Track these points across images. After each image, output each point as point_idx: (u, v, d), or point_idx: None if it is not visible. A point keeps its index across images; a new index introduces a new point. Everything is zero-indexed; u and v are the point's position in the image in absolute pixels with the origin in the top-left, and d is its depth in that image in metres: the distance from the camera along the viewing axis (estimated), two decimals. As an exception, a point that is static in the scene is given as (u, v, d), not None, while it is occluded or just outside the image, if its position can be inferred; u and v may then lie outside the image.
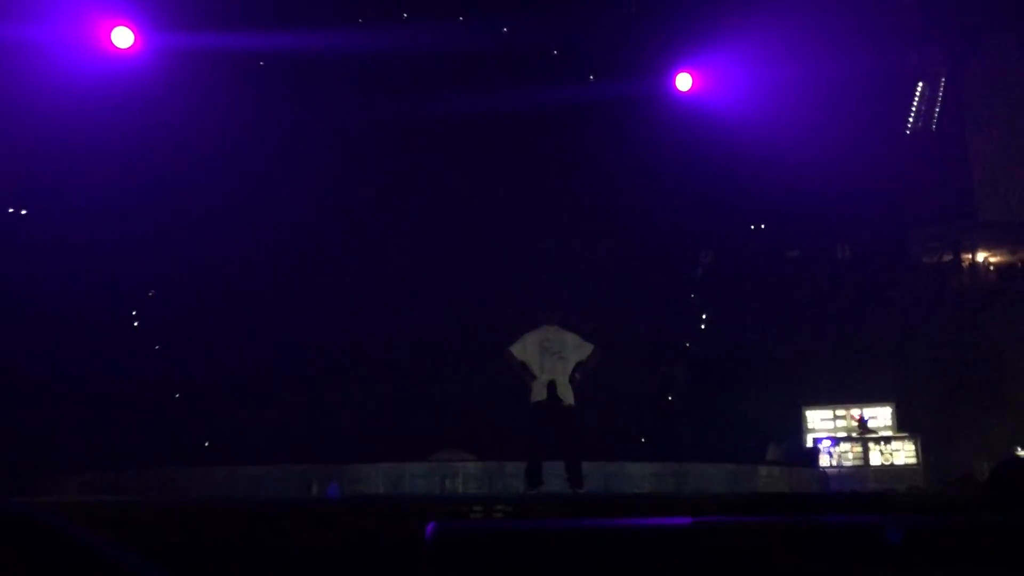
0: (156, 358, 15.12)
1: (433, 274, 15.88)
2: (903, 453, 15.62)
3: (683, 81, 14.84)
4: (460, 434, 14.23)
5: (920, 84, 18.07)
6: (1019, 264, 19.64)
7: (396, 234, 15.88)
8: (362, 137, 15.37)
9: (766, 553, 1.94)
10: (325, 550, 2.81)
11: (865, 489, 14.38)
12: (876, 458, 15.66)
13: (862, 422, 16.55)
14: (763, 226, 18.14)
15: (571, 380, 8.79)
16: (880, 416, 16.52)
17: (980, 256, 19.28)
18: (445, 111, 15.02)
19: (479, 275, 15.89)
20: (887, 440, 15.86)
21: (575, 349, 8.93)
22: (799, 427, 16.91)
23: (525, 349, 8.95)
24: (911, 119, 18.21)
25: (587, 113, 15.21)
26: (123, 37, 13.17)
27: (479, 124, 15.59)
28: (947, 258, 18.80)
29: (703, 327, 18.04)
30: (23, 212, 14.37)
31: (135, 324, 15.54)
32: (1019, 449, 16.88)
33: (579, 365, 8.88)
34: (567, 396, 8.73)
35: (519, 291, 15.55)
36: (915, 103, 18.18)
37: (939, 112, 18.21)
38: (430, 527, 1.88)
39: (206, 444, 15.01)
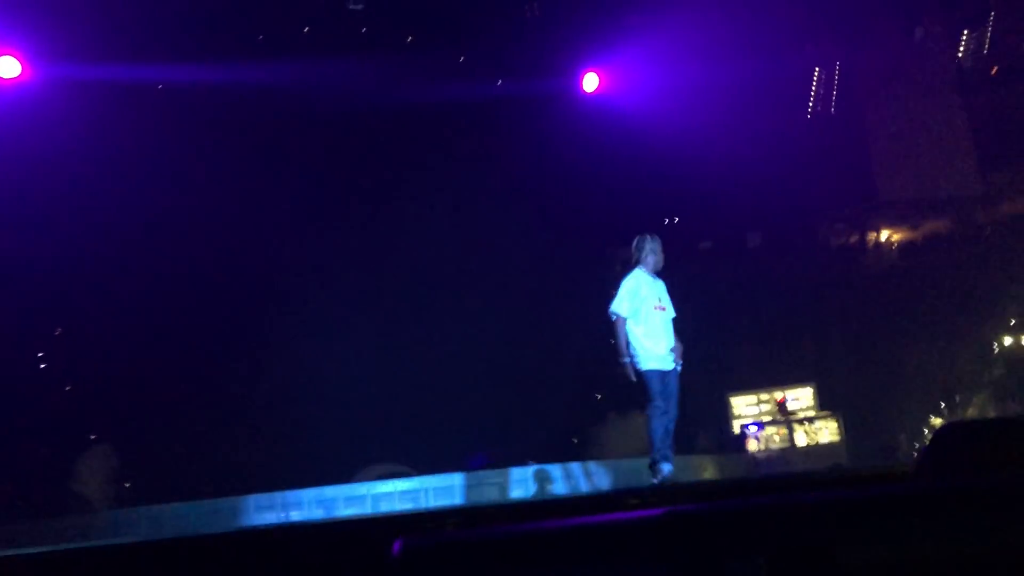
0: (67, 398, 14.55)
1: (341, 281, 15.63)
2: (827, 431, 16.01)
3: (590, 81, 15.03)
4: (383, 448, 14.10)
5: (816, 70, 18.62)
6: (919, 240, 20.42)
7: (303, 243, 15.63)
8: (267, 149, 15.06)
9: (746, 536, 1.89)
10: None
11: (795, 470, 14.71)
12: (801, 439, 16.02)
13: (781, 405, 16.93)
14: (676, 220, 18.41)
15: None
16: (802, 397, 16.91)
17: (884, 235, 19.99)
18: (349, 117, 14.86)
19: (384, 277, 15.71)
20: (810, 420, 16.25)
21: (669, 299, 7.93)
22: (725, 414, 17.18)
23: (635, 297, 7.78)
24: (810, 105, 18.75)
25: (494, 115, 15.22)
26: (9, 67, 12.72)
27: (383, 128, 15.46)
28: (854, 239, 19.44)
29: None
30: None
31: (41, 366, 14.92)
32: (932, 418, 17.56)
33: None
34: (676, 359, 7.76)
35: (427, 295, 15.48)
36: (813, 89, 18.72)
37: (836, 97, 18.79)
38: (397, 544, 1.77)
39: (126, 485, 14.46)
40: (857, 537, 1.90)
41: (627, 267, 8.04)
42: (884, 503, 1.98)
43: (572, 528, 1.96)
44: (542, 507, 3.79)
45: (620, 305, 7.76)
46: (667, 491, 3.76)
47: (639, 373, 7.69)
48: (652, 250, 7.95)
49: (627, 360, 7.60)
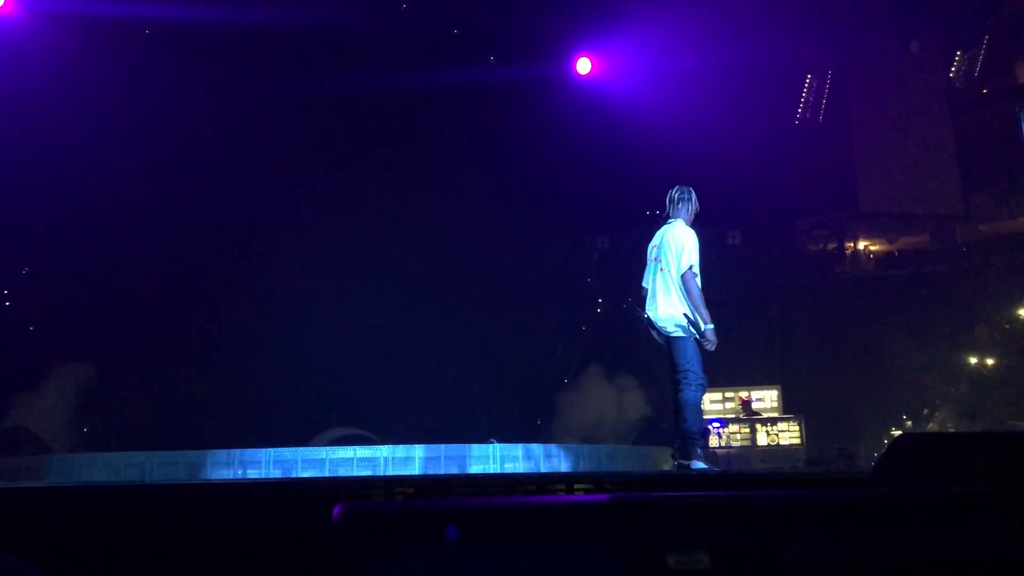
0: (32, 336, 14.39)
1: (317, 254, 15.51)
2: (788, 434, 16.15)
3: (583, 65, 14.96)
4: (350, 413, 14.06)
5: (808, 77, 18.66)
6: (896, 253, 20.59)
7: (272, 216, 15.48)
8: (252, 113, 14.88)
9: (688, 528, 1.87)
10: (222, 537, 2.63)
11: (753, 469, 14.84)
12: (763, 439, 16.15)
13: (746, 404, 17.05)
14: (659, 212, 18.39)
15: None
16: (767, 398, 17.04)
17: (861, 245, 20.13)
18: (341, 88, 14.69)
19: (365, 251, 15.62)
20: (773, 421, 16.38)
21: (678, 254, 6.42)
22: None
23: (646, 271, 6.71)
24: (799, 111, 18.80)
25: (485, 94, 15.12)
26: (-6, -3, 12.44)
27: (375, 102, 15.31)
28: (831, 246, 19.59)
29: (599, 311, 18.24)
30: None
31: (6, 304, 14.72)
32: (893, 430, 17.74)
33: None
34: (665, 319, 6.41)
35: (406, 272, 15.40)
36: (803, 95, 18.77)
37: (825, 105, 18.85)
38: (337, 509, 1.73)
39: (84, 430, 14.35)
40: (800, 538, 1.88)
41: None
42: (830, 507, 1.97)
43: (516, 506, 1.94)
44: (494, 482, 3.78)
45: (694, 261, 6.41)
46: (619, 479, 3.75)
47: (693, 340, 6.42)
48: (697, 204, 6.75)
49: (712, 326, 6.37)
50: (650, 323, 6.59)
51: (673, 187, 6.79)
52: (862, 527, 1.83)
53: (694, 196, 6.72)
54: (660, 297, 6.48)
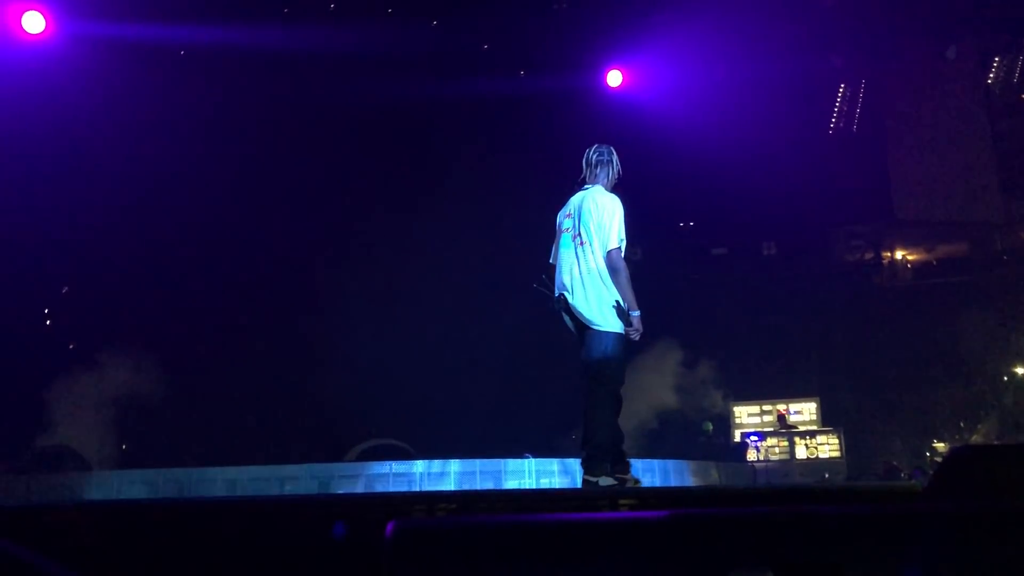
0: (72, 356, 14.58)
1: (356, 266, 15.61)
2: (827, 447, 15.95)
3: (614, 78, 14.96)
4: (386, 425, 14.11)
5: (842, 86, 18.49)
6: (934, 262, 20.31)
7: (311, 228, 15.59)
8: (286, 131, 15.03)
9: (751, 544, 1.81)
10: (269, 555, 2.61)
11: (792, 482, 14.65)
12: (802, 452, 15.95)
13: (782, 417, 16.89)
14: (692, 224, 18.35)
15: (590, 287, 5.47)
16: (805, 411, 16.86)
17: (899, 254, 19.87)
18: (372, 105, 14.80)
19: (401, 265, 15.67)
20: (812, 434, 16.18)
21: (602, 226, 5.52)
22: (728, 422, 17.14)
23: (556, 244, 5.87)
24: (833, 120, 18.62)
25: (517, 108, 15.15)
26: (34, 22, 12.68)
27: (406, 117, 15.40)
28: (869, 256, 19.36)
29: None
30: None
31: (47, 322, 14.95)
32: (935, 442, 17.45)
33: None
34: (585, 304, 5.48)
35: (442, 285, 15.44)
36: (837, 105, 18.59)
37: (859, 114, 18.66)
38: (390, 526, 1.70)
39: (123, 447, 14.51)
40: (867, 555, 1.83)
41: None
42: (895, 522, 1.91)
43: (572, 522, 1.89)
44: (537, 498, 3.73)
45: (623, 235, 5.58)
46: (666, 494, 3.68)
47: (621, 337, 5.50)
48: (619, 167, 5.91)
49: (639, 313, 5.44)
50: (565, 307, 5.60)
51: (591, 147, 5.96)
52: (930, 543, 1.77)
53: (615, 158, 5.88)
54: (579, 277, 5.52)
